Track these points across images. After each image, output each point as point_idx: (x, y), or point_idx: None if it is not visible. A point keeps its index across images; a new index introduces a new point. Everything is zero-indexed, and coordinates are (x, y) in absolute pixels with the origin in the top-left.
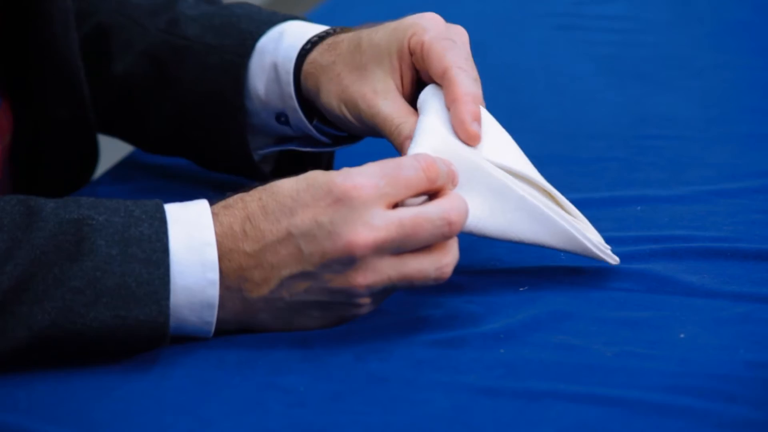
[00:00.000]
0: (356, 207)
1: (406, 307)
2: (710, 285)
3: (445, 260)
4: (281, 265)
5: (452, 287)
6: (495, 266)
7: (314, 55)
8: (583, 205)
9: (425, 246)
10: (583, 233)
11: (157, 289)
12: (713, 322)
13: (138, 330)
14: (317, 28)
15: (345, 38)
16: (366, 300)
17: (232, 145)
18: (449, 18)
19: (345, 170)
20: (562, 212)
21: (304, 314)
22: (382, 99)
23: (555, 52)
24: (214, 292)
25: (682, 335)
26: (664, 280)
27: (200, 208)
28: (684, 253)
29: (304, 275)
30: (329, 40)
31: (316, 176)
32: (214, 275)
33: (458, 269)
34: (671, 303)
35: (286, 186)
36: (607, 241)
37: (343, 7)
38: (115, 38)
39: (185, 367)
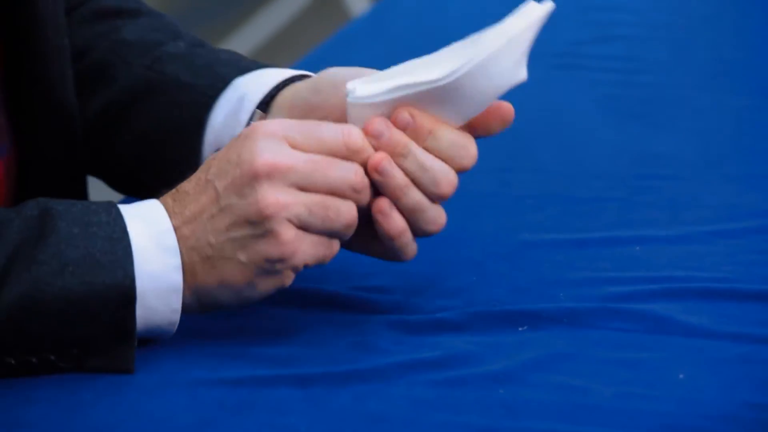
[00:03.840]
0: (261, 137)
1: (405, 347)
2: (709, 325)
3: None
4: (203, 210)
5: (451, 327)
6: (494, 307)
7: (288, 90)
8: (582, 245)
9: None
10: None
11: (120, 257)
12: (713, 362)
13: (106, 295)
14: (299, 72)
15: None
16: (284, 227)
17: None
18: None
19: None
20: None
21: (231, 261)
22: None
23: (554, 92)
24: (177, 276)
25: (681, 376)
26: (663, 321)
27: (151, 202)
28: (683, 294)
29: (221, 212)
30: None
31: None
32: (177, 260)
33: (457, 310)
34: (670, 343)
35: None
36: (606, 281)
37: (342, 46)
38: (101, 77)
39: (186, 408)
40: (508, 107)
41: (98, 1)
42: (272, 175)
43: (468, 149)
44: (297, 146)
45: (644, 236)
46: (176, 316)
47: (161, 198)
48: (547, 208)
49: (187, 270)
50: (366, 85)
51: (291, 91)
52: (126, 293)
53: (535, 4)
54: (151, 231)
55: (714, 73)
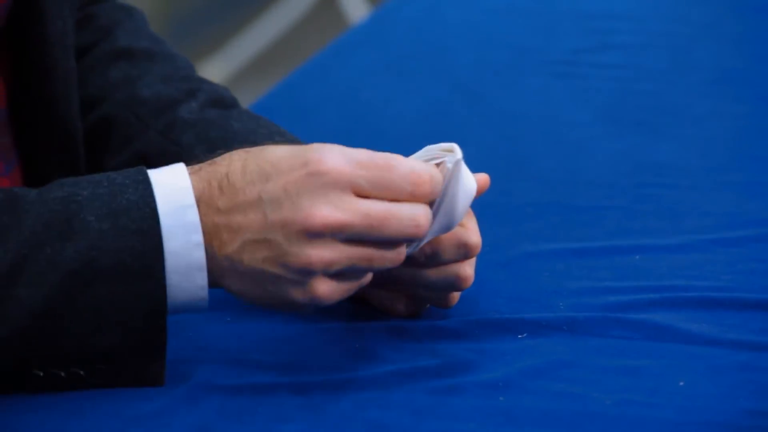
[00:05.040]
0: (326, 185)
1: (405, 355)
2: (709, 333)
3: (403, 247)
4: (245, 227)
5: (451, 335)
6: (493, 316)
7: None
8: (582, 254)
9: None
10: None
11: (152, 262)
12: (712, 370)
13: (137, 304)
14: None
15: None
16: (320, 282)
17: None
18: (448, 68)
19: (332, 146)
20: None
21: (258, 285)
22: None
23: (553, 100)
24: (200, 254)
25: (681, 383)
26: (663, 329)
27: (177, 170)
28: (683, 302)
29: (264, 243)
30: None
31: (303, 146)
32: (198, 237)
33: (457, 318)
34: (670, 351)
35: (273, 151)
36: (606, 290)
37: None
38: (117, 134)
39: (186, 415)
40: None
41: (112, 42)
42: (326, 232)
43: (468, 243)
44: (363, 194)
45: (644, 245)
46: (204, 292)
47: (207, 174)
48: (546, 217)
49: (213, 269)
50: None
51: None
52: (157, 302)
53: (452, 158)
54: (174, 205)
55: (714, 81)
